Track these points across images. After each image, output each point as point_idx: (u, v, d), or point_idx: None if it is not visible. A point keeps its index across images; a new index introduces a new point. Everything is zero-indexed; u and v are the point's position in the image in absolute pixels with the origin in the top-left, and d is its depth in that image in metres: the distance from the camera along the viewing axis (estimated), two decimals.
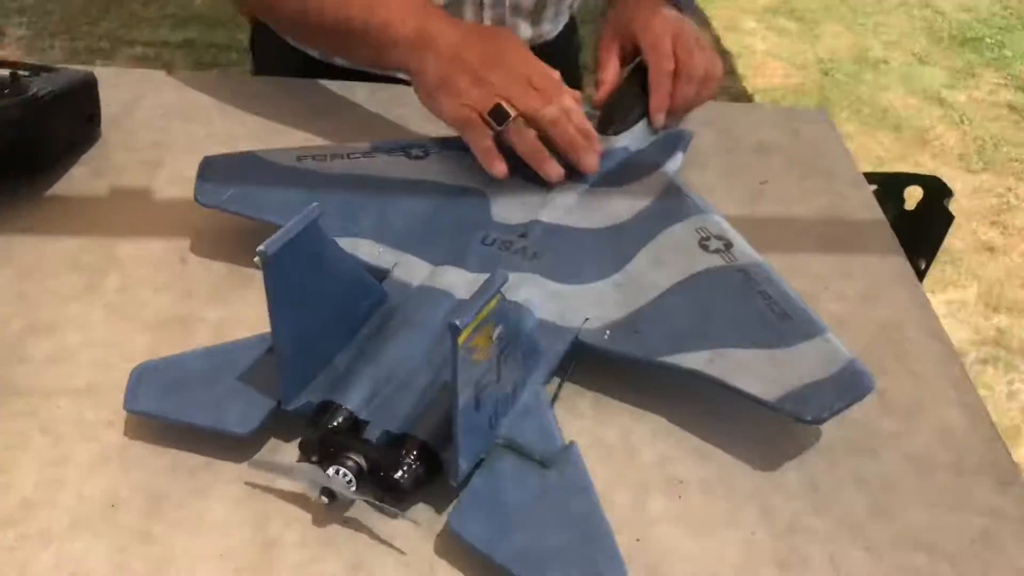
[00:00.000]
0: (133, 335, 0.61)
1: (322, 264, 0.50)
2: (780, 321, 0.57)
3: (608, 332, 0.57)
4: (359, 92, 0.87)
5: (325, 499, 0.48)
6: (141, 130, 0.80)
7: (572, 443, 0.52)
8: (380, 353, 0.53)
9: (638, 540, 0.51)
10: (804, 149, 0.84)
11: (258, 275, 0.47)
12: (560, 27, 1.00)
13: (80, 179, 0.74)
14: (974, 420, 0.59)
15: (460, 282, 0.59)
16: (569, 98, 0.69)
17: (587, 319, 0.58)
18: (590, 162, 0.68)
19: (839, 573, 0.50)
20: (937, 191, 0.87)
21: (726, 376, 0.54)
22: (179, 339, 0.61)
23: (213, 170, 0.67)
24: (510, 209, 0.65)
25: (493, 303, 0.45)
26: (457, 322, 0.42)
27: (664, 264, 0.62)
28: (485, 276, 0.60)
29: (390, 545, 0.49)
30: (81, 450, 0.53)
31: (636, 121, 0.75)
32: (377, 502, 0.48)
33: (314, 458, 0.51)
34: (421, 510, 0.51)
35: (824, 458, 0.56)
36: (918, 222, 0.89)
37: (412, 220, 0.64)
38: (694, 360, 0.55)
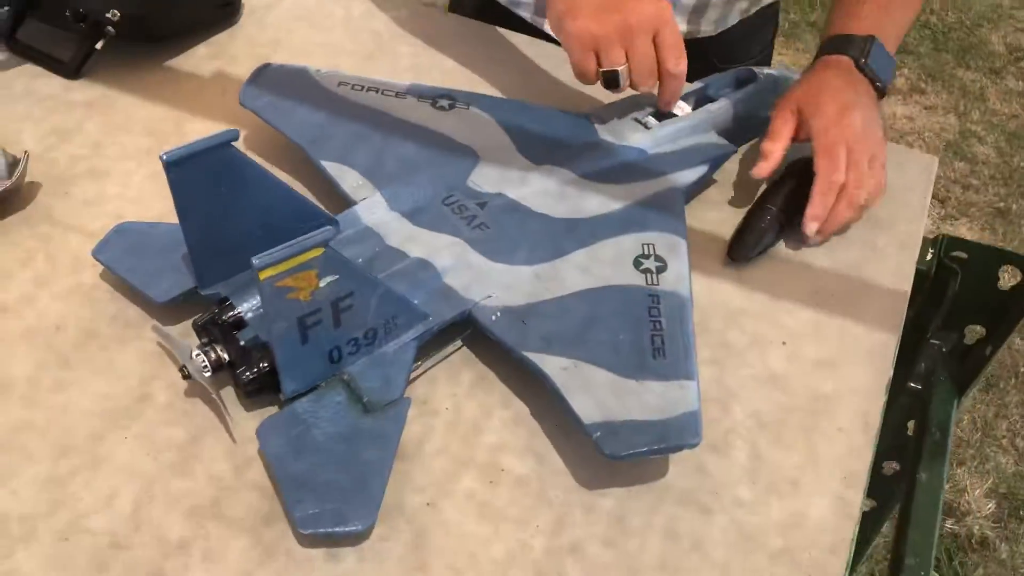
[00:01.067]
0: (156, 201, 0.72)
1: (244, 183, 0.57)
2: (652, 355, 0.57)
3: (497, 314, 0.60)
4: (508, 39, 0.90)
5: (181, 374, 0.57)
6: (271, 27, 0.90)
7: (406, 399, 0.57)
8: None
9: (428, 504, 0.55)
10: None
11: None
12: (724, 27, 0.97)
13: (199, 58, 0.86)
14: (837, 520, 0.56)
15: (399, 231, 0.64)
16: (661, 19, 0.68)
17: (489, 296, 0.61)
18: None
19: None
20: None
21: (565, 388, 0.56)
22: None
23: (264, 76, 0.76)
24: (488, 177, 0.69)
25: (313, 253, 0.50)
26: (256, 261, 0.48)
27: (589, 269, 0.63)
28: (425, 232, 0.65)
29: (228, 432, 0.58)
30: (62, 280, 0.66)
31: (771, 244, 0.71)
32: (211, 389, 0.56)
33: (204, 340, 0.59)
34: (271, 412, 0.59)
35: (651, 499, 0.56)
36: (1001, 304, 0.80)
37: (401, 165, 0.70)
38: (551, 364, 0.57)
